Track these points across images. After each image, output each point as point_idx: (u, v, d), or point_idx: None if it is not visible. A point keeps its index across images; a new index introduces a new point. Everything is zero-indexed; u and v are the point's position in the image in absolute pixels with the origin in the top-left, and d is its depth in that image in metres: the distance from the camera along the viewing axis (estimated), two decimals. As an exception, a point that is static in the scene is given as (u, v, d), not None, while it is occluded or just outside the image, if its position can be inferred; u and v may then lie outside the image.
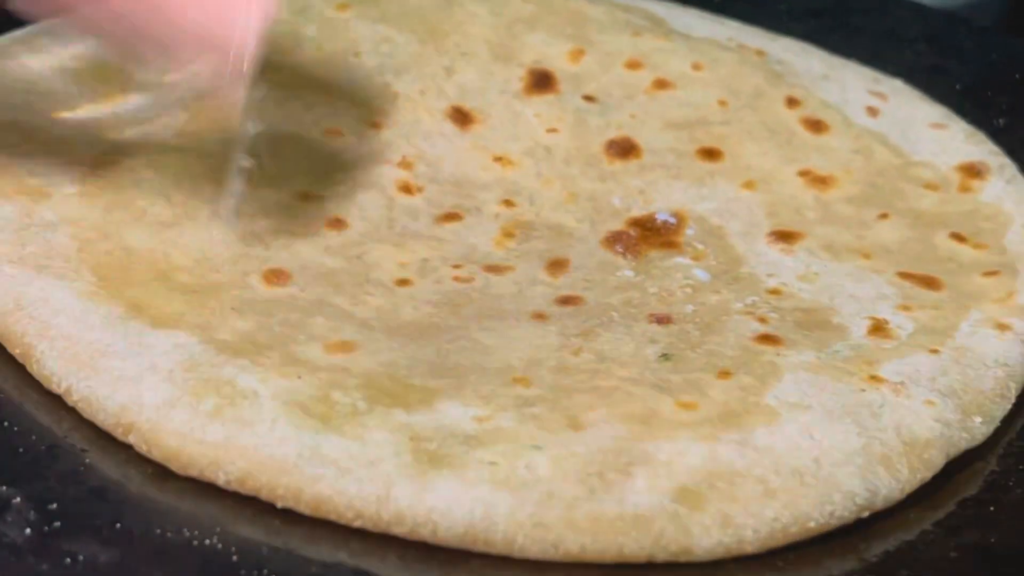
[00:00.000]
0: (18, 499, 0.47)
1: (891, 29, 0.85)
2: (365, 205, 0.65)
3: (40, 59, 0.69)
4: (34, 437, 0.51)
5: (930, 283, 0.63)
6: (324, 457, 0.49)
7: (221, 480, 0.49)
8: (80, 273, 0.56)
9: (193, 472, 0.50)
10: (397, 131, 0.70)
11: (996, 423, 0.56)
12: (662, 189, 0.68)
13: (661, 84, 0.75)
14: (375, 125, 0.70)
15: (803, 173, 0.70)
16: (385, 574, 0.47)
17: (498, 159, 0.70)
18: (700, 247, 0.65)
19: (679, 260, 0.64)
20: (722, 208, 0.67)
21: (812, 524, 0.50)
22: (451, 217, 0.66)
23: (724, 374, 0.55)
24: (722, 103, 0.74)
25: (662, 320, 0.59)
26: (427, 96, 0.72)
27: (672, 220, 0.66)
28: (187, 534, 0.47)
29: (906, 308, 0.61)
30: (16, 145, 0.63)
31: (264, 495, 0.49)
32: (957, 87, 0.79)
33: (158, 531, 0.47)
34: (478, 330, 0.58)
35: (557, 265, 0.63)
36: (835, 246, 0.65)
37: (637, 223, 0.66)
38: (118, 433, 0.51)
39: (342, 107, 0.71)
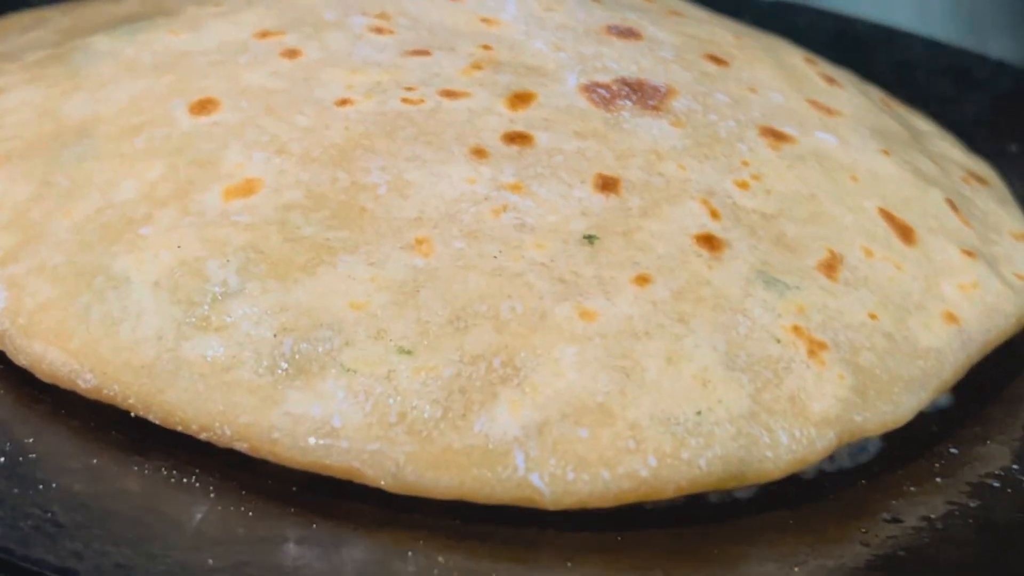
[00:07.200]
0: (-6, 430, 0.47)
1: (907, 61, 0.87)
2: (328, 40, 0.61)
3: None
4: (16, 379, 0.51)
5: (905, 234, 0.58)
6: (179, 361, 0.48)
7: (80, 389, 0.48)
8: None
9: (55, 381, 0.49)
10: None
11: (907, 413, 0.52)
12: (661, 67, 0.63)
13: (676, 13, 0.70)
14: None
15: (811, 101, 0.65)
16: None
17: (485, 20, 0.65)
18: (683, 117, 0.59)
19: (656, 122, 0.58)
20: (720, 96, 0.62)
21: (671, 488, 0.47)
22: (420, 53, 0.61)
23: (642, 280, 0.51)
24: (737, 37, 0.69)
25: (607, 185, 0.54)
26: None
27: (663, 88, 0.61)
28: (164, 472, 0.47)
29: (869, 253, 0.56)
30: None
31: (119, 404, 0.48)
32: (971, 115, 0.80)
33: (135, 468, 0.47)
34: (405, 160, 0.54)
35: (520, 99, 0.58)
36: (828, 157, 0.60)
37: (626, 83, 0.61)
38: None
39: None
